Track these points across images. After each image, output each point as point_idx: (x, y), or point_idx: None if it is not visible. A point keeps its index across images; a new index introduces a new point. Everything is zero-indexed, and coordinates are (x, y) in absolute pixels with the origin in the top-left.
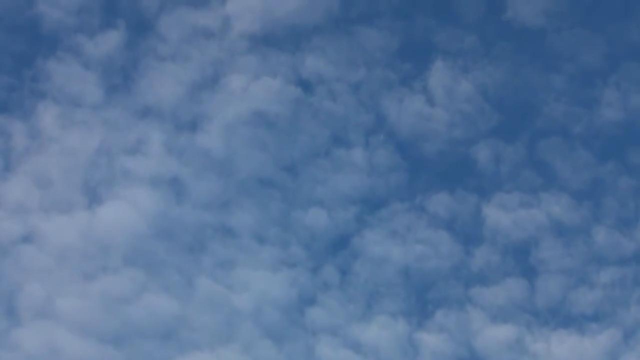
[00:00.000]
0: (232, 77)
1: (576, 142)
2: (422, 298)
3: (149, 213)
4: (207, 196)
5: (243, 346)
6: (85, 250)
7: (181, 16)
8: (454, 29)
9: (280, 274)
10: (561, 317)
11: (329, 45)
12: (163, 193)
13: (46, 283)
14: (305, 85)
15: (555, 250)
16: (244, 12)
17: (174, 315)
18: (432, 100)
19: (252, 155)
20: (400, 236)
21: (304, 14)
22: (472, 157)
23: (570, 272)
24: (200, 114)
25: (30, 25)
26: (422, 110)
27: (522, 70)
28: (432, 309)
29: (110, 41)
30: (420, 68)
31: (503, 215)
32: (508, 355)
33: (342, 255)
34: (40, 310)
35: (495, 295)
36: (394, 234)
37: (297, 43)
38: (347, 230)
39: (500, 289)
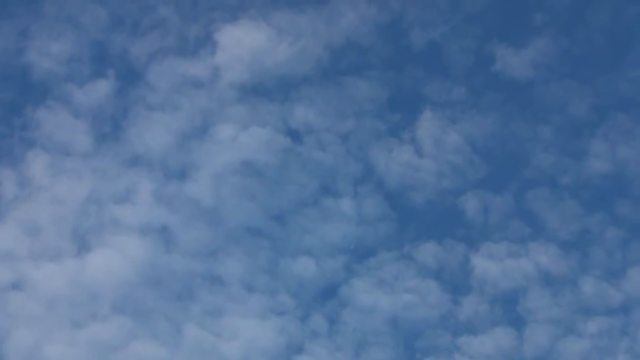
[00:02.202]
0: (221, 127)
1: (564, 192)
2: (410, 347)
3: (138, 261)
4: (196, 245)
5: None
6: (74, 297)
7: (171, 66)
8: (442, 80)
9: (269, 322)
10: None
11: (318, 95)
12: (152, 241)
13: (35, 330)
14: (294, 135)
15: (543, 300)
16: (233, 63)
17: None
18: (420, 151)
19: (240, 204)
20: (389, 285)
21: (293, 65)
22: (461, 207)
23: (557, 322)
24: (189, 163)
25: (21, 74)
26: (410, 160)
27: (511, 121)
28: (420, 358)
29: (100, 90)
30: (409, 119)
31: (491, 265)
32: None
33: (331, 304)
34: (29, 357)
35: (483, 344)
36: (382, 283)
37: (286, 93)
38: (335, 279)
39: (488, 338)
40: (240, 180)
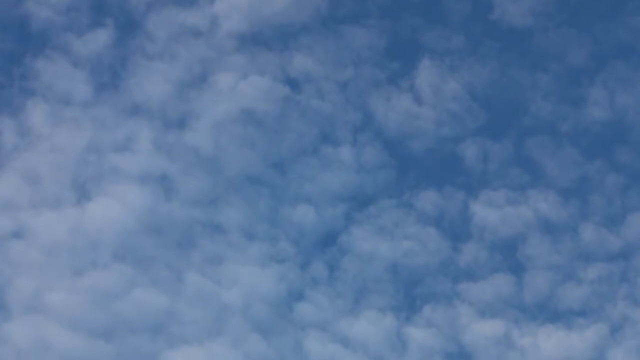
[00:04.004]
0: (221, 76)
1: (563, 140)
2: (410, 293)
3: (138, 209)
4: (196, 193)
5: (232, 341)
6: (74, 245)
7: (169, 15)
8: (441, 28)
9: (269, 269)
10: (549, 313)
11: (317, 44)
12: (152, 190)
13: (36, 278)
14: (293, 84)
15: (542, 247)
16: (232, 11)
17: (164, 310)
18: (419, 99)
19: (240, 152)
20: (388, 232)
21: (292, 13)
22: (460, 154)
23: (557, 268)
24: (189, 112)
25: (19, 24)
26: (409, 108)
27: (509, 69)
28: (420, 304)
29: (99, 40)
30: (407, 67)
31: (490, 212)
32: (495, 350)
33: (331, 251)
34: (30, 304)
35: (482, 290)
36: (382, 230)
37: (285, 42)
38: (335, 227)
39: (487, 284)
40: (240, 128)
